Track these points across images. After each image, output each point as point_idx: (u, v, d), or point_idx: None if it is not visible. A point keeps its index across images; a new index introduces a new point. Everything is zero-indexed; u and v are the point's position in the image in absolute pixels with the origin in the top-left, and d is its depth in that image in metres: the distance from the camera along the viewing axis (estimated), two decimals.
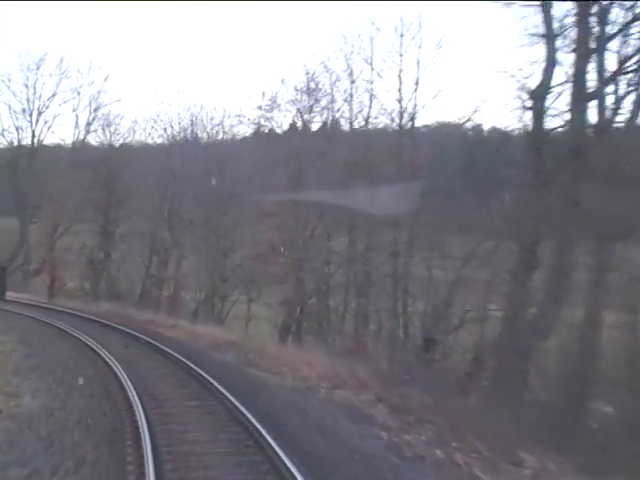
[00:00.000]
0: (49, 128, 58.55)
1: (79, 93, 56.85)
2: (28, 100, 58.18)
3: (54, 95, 58.23)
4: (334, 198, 26.84)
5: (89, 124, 55.95)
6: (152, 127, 48.48)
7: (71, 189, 52.24)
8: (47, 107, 58.66)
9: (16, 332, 28.70)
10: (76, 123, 56.79)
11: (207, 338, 31.07)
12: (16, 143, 58.94)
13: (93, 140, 55.31)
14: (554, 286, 19.23)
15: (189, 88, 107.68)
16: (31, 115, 58.54)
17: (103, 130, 54.16)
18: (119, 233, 50.19)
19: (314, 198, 28.70)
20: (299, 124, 33.51)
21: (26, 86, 58.01)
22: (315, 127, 34.12)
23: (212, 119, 44.73)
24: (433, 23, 53.53)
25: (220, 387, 15.45)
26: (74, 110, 57.01)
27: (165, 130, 47.54)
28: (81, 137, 56.28)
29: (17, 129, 58.77)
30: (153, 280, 48.00)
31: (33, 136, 58.86)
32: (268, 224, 34.21)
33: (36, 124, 58.65)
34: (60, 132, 62.12)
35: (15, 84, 58.14)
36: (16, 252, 58.91)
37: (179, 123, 47.00)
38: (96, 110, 55.55)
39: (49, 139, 58.99)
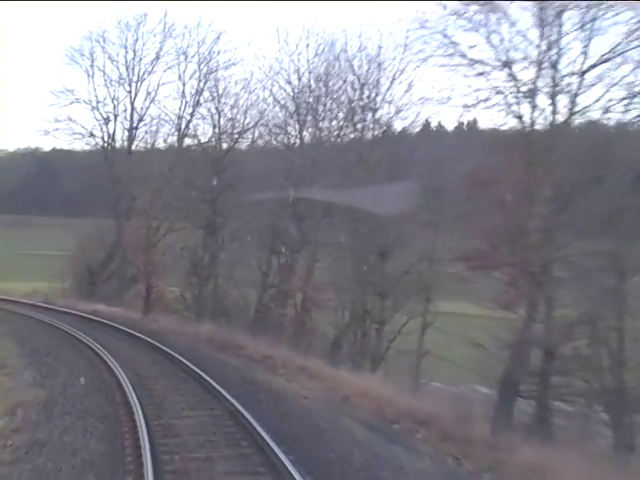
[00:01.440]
0: (152, 100, 45.66)
1: (186, 56, 43.48)
2: (127, 65, 45.62)
3: (157, 58, 45.30)
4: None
5: (198, 93, 42.42)
6: (272, 83, 34.16)
7: (175, 171, 39.06)
8: (149, 73, 45.82)
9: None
10: (182, 93, 43.36)
11: (369, 403, 15.99)
12: (112, 118, 46.38)
13: (203, 111, 41.65)
14: None
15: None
16: (130, 84, 45.97)
17: (213, 100, 40.45)
18: (229, 229, 35.99)
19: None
20: None
21: (124, 48, 45.50)
22: None
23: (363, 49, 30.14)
24: None
25: None
26: (180, 77, 43.66)
27: (290, 83, 33.02)
28: (189, 110, 42.80)
29: (113, 100, 46.17)
30: (272, 293, 33.46)
31: (132, 110, 46.22)
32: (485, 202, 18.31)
33: (136, 95, 46.07)
34: (164, 104, 49.20)
35: (111, 46, 45.64)
36: (111, 256, 46.35)
37: (309, 72, 32.42)
38: (207, 76, 41.90)
39: (152, 112, 45.69)
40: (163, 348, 22.94)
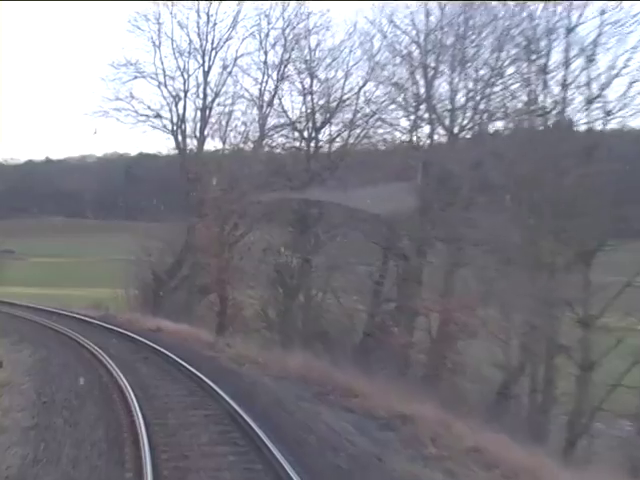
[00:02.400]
0: (229, 73, 36.88)
1: (269, 19, 34.49)
2: (199, 32, 37.05)
3: (234, 23, 36.53)
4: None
5: (283, 64, 33.41)
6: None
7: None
8: (226, 41, 37.12)
9: None
10: (264, 63, 34.39)
11: None
12: (182, 95, 37.87)
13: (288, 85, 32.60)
14: None
15: None
16: (203, 54, 37.43)
17: (299, 74, 31.39)
18: (325, 224, 26.70)
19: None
20: None
21: (196, 11, 36.96)
22: None
23: None
24: None
25: None
26: (261, 46, 34.68)
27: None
28: (272, 84, 33.81)
29: (183, 73, 37.79)
30: (390, 310, 23.89)
31: (206, 85, 37.59)
32: None
33: (209, 68, 37.48)
34: (242, 80, 40.39)
35: (181, 9, 37.26)
36: (180, 262, 37.87)
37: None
38: (294, 43, 32.83)
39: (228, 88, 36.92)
40: (233, 403, 13.55)
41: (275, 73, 33.51)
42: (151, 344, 22.73)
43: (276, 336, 28.02)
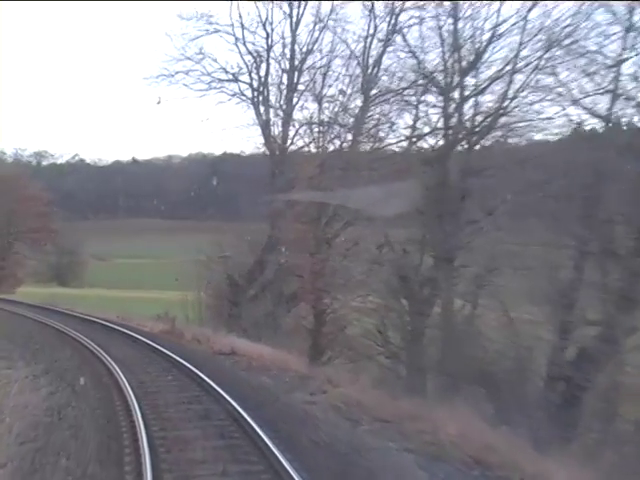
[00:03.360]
0: (323, 26, 28.23)
1: None
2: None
3: None
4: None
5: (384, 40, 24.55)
6: None
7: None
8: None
9: None
10: (370, 12, 25.56)
11: None
12: (264, 54, 29.49)
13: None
14: None
15: None
16: (291, 4, 28.94)
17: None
18: (477, 204, 17.46)
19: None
20: None
21: None
22: None
23: None
24: None
25: None
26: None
27: None
28: (379, 40, 24.83)
29: (265, 27, 29.49)
30: (594, 338, 14.40)
31: (294, 41, 29.01)
32: None
33: (299, 20, 28.80)
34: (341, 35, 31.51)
35: None
36: (261, 263, 29.44)
37: None
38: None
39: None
40: None
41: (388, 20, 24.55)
42: (220, 385, 14.11)
43: (400, 368, 19.09)
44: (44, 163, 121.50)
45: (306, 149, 26.59)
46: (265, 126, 29.77)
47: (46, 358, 19.72)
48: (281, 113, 29.68)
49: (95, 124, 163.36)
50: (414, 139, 20.81)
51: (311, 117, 26.49)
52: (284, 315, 27.27)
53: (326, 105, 26.61)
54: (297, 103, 29.02)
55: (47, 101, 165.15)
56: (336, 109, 25.87)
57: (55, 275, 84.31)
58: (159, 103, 27.49)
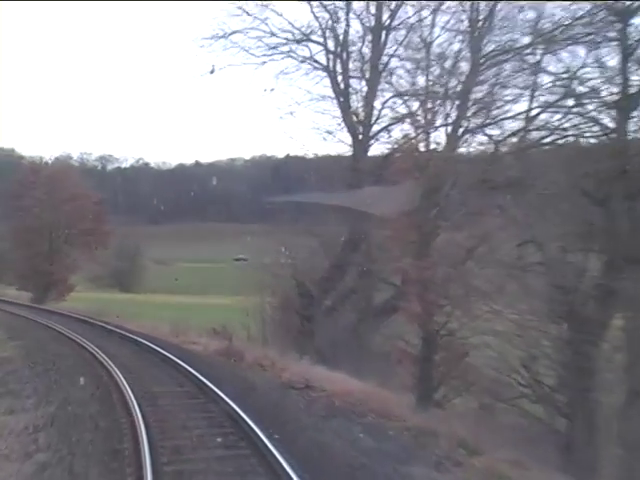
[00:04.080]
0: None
1: None
2: None
3: None
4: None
5: None
6: None
7: None
8: None
9: None
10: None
11: None
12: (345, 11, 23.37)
13: None
14: None
15: None
16: None
17: None
18: None
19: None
20: None
21: None
22: None
23: None
24: None
25: None
26: None
27: None
28: None
29: (326, 31, 23.41)
30: None
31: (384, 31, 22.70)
32: None
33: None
34: None
35: None
36: (341, 266, 23.21)
37: None
38: None
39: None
40: None
41: None
42: (293, 453, 8.14)
43: (557, 421, 12.67)
44: (109, 167, 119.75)
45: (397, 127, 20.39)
46: (344, 99, 23.72)
47: (60, 396, 14.24)
48: (363, 83, 23.64)
49: (159, 127, 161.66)
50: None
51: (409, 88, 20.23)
52: (372, 333, 21.09)
53: (422, 71, 20.44)
54: (385, 69, 22.86)
55: (112, 105, 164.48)
56: (436, 75, 19.63)
57: (116, 280, 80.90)
58: (212, 72, 21.57)
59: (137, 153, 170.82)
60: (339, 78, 23.60)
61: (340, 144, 22.92)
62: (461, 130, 18.32)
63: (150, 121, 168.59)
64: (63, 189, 41.72)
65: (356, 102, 23.64)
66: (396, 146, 19.93)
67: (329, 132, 22.81)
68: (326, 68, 23.79)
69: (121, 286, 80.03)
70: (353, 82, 23.75)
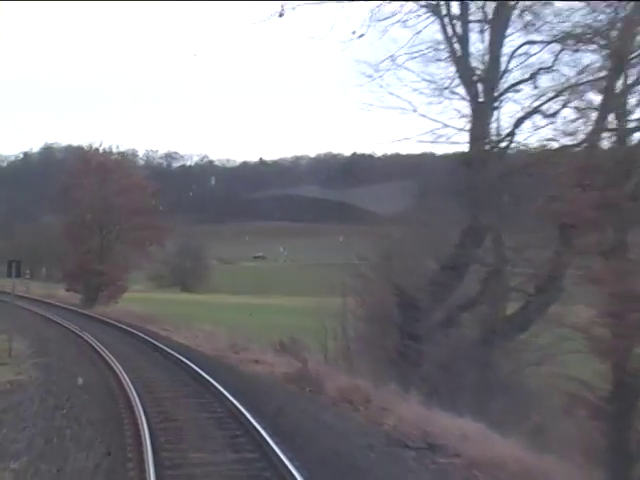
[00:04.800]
0: None
1: None
2: None
3: None
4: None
5: None
6: None
7: None
8: None
9: None
10: None
11: None
12: None
13: None
14: None
15: None
16: None
17: None
18: None
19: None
20: None
21: None
22: None
23: None
24: None
25: None
26: None
27: None
28: None
29: None
30: None
31: None
32: None
33: None
34: None
35: None
36: (456, 272, 16.94)
37: None
38: None
39: None
40: None
41: None
42: None
43: None
44: (174, 165, 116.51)
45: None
46: (461, 49, 17.56)
47: (56, 463, 8.96)
48: (486, 27, 17.44)
49: (224, 124, 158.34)
50: None
51: None
52: (504, 358, 14.90)
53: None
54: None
55: (178, 102, 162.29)
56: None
57: (178, 279, 77.02)
58: (281, 15, 15.52)
59: (202, 150, 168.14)
60: (450, 22, 17.41)
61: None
62: None
63: (215, 118, 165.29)
64: (115, 179, 37.05)
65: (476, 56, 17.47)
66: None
67: (442, 89, 16.69)
68: (434, 9, 17.66)
69: (182, 285, 76.21)
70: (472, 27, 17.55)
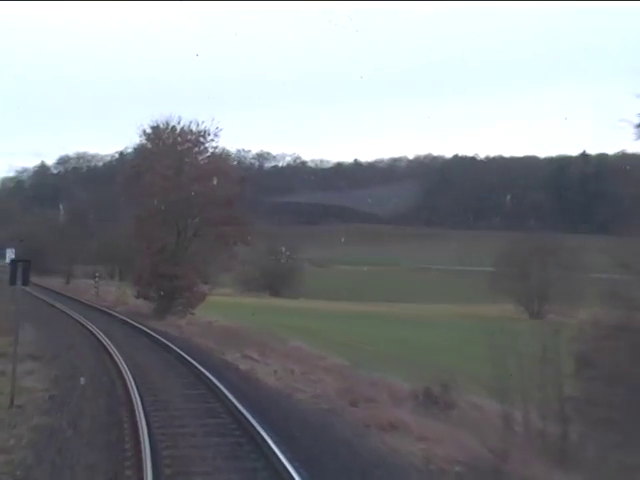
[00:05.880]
0: None
1: None
2: None
3: None
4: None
5: None
6: None
7: None
8: None
9: None
10: None
11: None
12: None
13: None
14: None
15: None
16: None
17: None
18: None
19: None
20: None
21: None
22: None
23: None
24: None
25: None
26: None
27: None
28: None
29: None
30: None
31: None
32: None
33: None
34: None
35: None
36: None
37: None
38: None
39: None
40: None
41: None
42: None
43: None
44: (266, 165, 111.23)
45: None
46: None
47: None
48: None
49: (317, 124, 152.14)
50: None
51: None
52: None
53: None
54: None
55: (268, 101, 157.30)
56: None
57: (267, 282, 70.40)
58: None
59: (294, 150, 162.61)
60: None
61: None
62: None
63: (308, 117, 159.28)
64: (193, 162, 30.20)
65: None
66: None
67: None
68: None
69: (271, 289, 69.55)
70: None
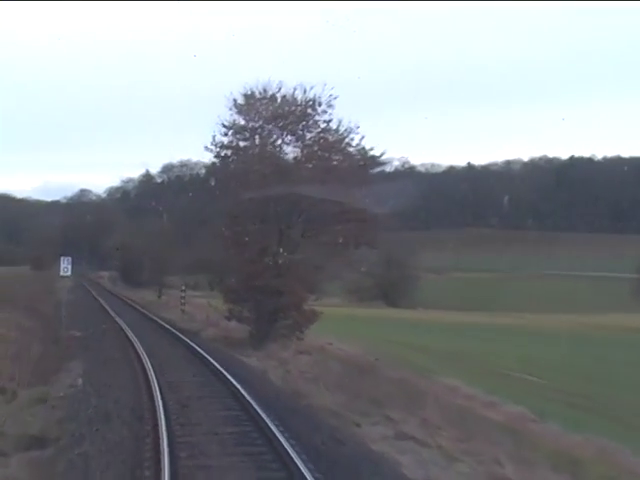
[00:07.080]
0: None
1: None
2: None
3: None
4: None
5: None
6: None
7: None
8: None
9: None
10: None
11: None
12: None
13: None
14: None
15: None
16: None
17: None
18: None
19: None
20: None
21: None
22: None
23: None
24: None
25: None
26: None
27: None
28: None
29: None
30: None
31: None
32: None
33: None
34: None
35: None
36: None
37: None
38: None
39: None
40: None
41: None
42: None
43: None
44: (372, 171, 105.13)
45: None
46: None
47: None
48: None
49: (427, 127, 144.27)
50: None
51: None
52: None
53: None
54: None
55: (377, 103, 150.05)
56: None
57: (380, 292, 63.53)
58: None
59: (402, 154, 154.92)
60: None
61: None
62: None
63: (416, 120, 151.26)
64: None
65: None
66: None
67: None
68: None
69: (386, 299, 62.93)
70: None
